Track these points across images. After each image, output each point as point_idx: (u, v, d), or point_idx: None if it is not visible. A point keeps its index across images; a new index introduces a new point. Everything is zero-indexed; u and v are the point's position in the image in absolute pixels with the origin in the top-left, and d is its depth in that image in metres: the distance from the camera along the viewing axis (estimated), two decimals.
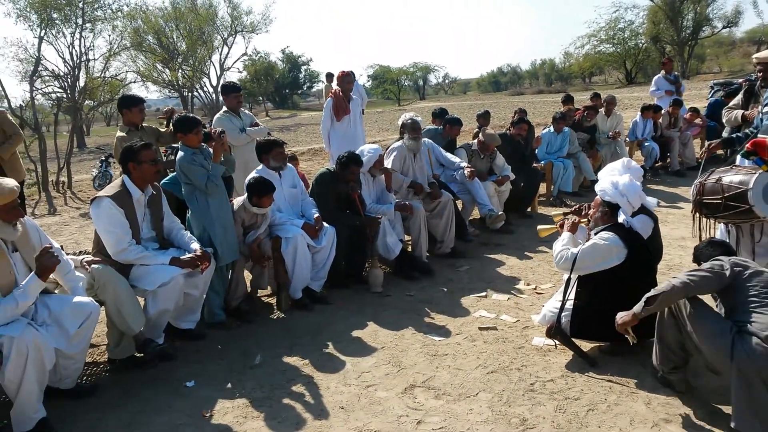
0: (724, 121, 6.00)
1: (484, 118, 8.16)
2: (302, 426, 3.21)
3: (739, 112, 5.50)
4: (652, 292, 3.14)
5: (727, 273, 3.02)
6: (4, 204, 3.08)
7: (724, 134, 6.25)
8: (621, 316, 3.27)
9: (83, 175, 13.82)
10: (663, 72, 11.08)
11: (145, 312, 3.87)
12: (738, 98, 5.67)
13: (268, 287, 5.16)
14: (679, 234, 6.48)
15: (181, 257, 3.96)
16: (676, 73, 11.35)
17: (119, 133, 5.17)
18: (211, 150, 4.47)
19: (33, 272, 3.15)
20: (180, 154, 4.40)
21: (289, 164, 5.27)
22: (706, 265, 3.13)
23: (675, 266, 5.48)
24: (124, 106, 5.28)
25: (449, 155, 6.72)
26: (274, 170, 5.00)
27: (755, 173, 3.86)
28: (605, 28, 37.64)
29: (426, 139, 6.59)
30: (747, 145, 4.08)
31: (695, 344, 3.08)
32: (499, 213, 6.56)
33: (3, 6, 15.51)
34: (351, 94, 7.36)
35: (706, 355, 3.06)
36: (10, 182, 3.13)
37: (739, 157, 4.61)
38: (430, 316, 4.65)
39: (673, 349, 3.24)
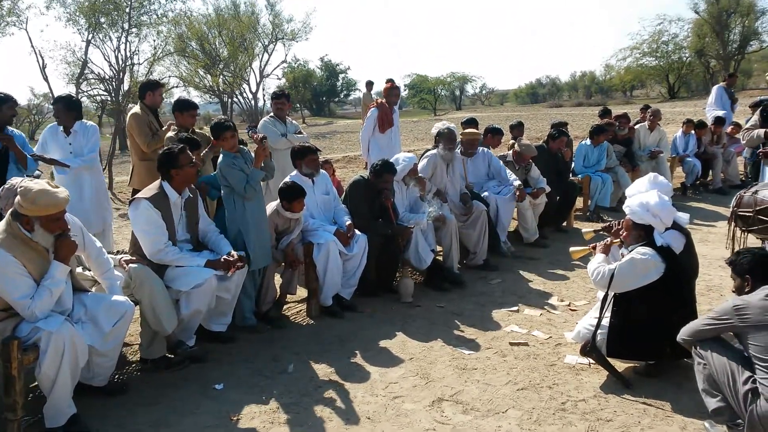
0: (742, 143, 6.02)
1: (517, 129, 8.06)
2: None
3: (761, 130, 5.53)
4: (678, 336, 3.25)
5: (735, 322, 2.93)
6: (49, 215, 3.12)
7: (746, 155, 6.21)
8: None
9: (123, 177, 14.12)
10: (724, 83, 10.86)
11: (177, 313, 3.92)
12: (755, 118, 5.72)
13: (297, 293, 5.18)
14: (720, 254, 6.27)
15: (215, 260, 4.01)
16: (732, 89, 11.11)
17: (169, 134, 5.28)
18: (253, 154, 4.53)
19: (54, 260, 3.19)
20: (221, 157, 4.47)
21: (322, 171, 5.30)
22: (724, 307, 3.02)
23: (715, 287, 5.32)
24: (176, 109, 5.45)
25: (505, 169, 6.69)
26: (307, 176, 5.03)
27: None
28: (648, 40, 36.89)
29: (483, 148, 6.58)
30: None
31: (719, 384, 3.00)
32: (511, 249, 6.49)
33: (54, 10, 15.92)
34: (394, 106, 7.39)
35: (727, 397, 2.96)
36: (63, 193, 3.17)
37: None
38: (459, 328, 4.60)
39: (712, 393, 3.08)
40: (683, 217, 4.06)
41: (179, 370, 3.91)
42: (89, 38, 14.80)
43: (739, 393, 2.85)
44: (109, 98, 15.45)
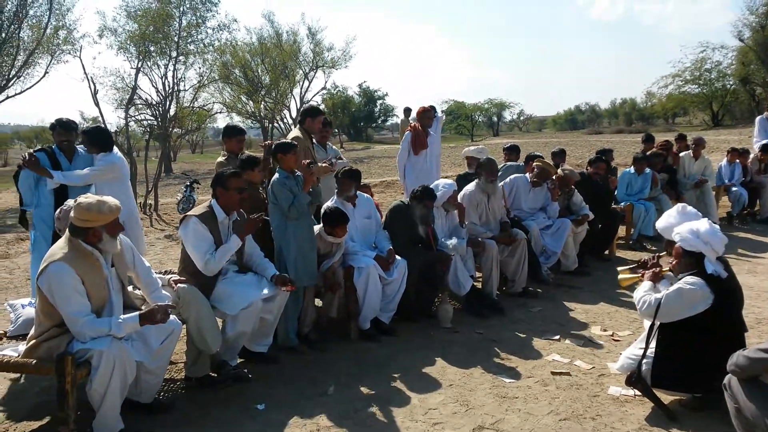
0: None
1: (559, 155, 8.02)
2: None
3: None
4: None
5: None
6: (112, 220, 3.32)
7: None
8: None
9: (169, 199, 14.54)
10: (766, 114, 10.62)
11: (223, 333, 4.02)
12: None
13: (337, 316, 5.22)
14: None
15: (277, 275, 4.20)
16: None
17: (219, 159, 5.48)
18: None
19: (137, 313, 3.31)
20: (275, 176, 4.63)
21: (366, 195, 5.40)
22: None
23: (765, 319, 5.18)
24: (225, 135, 5.60)
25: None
26: (348, 200, 5.12)
27: None
28: (691, 68, 36.36)
29: (551, 182, 6.58)
30: None
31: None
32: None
33: (106, 38, 16.62)
34: (429, 129, 7.42)
35: None
36: (114, 200, 3.38)
37: None
38: (499, 356, 4.56)
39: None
40: None
41: (222, 389, 3.98)
42: (138, 65, 15.36)
43: None
44: (155, 123, 15.94)
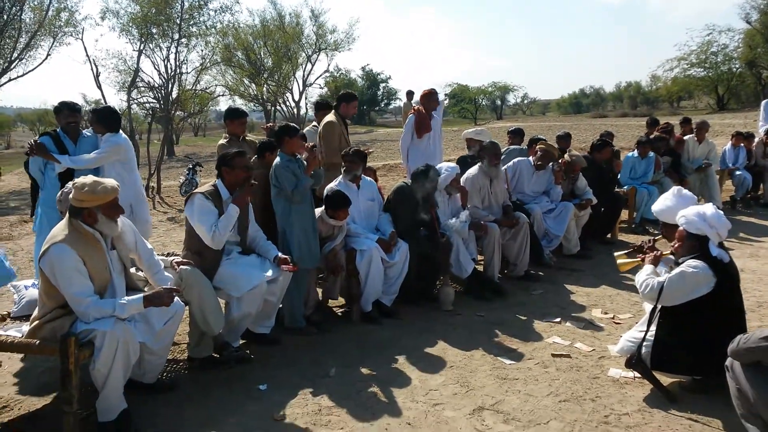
0: None
1: (564, 139, 7.98)
2: None
3: None
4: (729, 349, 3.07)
5: None
6: (108, 202, 3.31)
7: None
8: None
9: (171, 182, 14.54)
10: None
11: (227, 315, 4.05)
12: None
13: (339, 298, 5.25)
14: None
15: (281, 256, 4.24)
16: None
17: (221, 141, 5.50)
18: (306, 162, 4.66)
19: (141, 295, 3.31)
20: (277, 159, 4.63)
21: (369, 178, 5.39)
22: None
23: (766, 303, 5.17)
24: (227, 117, 5.60)
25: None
26: (353, 180, 5.12)
27: None
28: (696, 51, 35.99)
29: (553, 164, 6.56)
30: None
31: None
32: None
33: (108, 21, 16.64)
34: (432, 113, 7.38)
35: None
36: (112, 182, 3.38)
37: None
38: (500, 338, 4.58)
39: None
40: None
41: (225, 369, 4.02)
42: (141, 48, 15.28)
43: None
44: (158, 106, 15.87)
